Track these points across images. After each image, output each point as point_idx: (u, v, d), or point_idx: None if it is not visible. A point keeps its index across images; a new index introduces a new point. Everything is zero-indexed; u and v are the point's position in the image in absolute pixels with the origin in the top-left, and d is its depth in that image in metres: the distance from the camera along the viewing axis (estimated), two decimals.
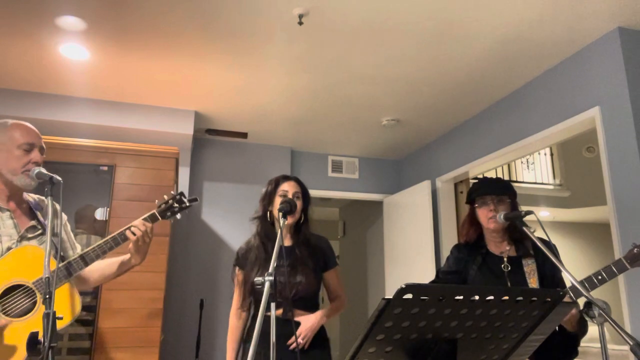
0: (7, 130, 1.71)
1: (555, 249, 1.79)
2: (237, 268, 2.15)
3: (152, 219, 1.83)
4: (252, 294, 2.08)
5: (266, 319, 1.85)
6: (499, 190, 1.94)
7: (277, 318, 1.93)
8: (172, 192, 1.91)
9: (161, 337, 3.13)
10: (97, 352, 2.91)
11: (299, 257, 2.05)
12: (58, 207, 1.86)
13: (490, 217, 1.90)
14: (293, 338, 1.93)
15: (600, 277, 1.58)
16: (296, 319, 1.99)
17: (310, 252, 2.09)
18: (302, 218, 2.13)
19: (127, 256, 1.82)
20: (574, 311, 1.57)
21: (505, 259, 1.92)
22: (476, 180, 2.13)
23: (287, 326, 1.93)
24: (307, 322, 1.98)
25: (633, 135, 2.65)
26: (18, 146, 1.69)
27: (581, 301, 1.45)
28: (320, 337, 2.03)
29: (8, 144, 1.69)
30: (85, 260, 1.72)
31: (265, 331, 1.80)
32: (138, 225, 1.76)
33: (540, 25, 2.80)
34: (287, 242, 2.12)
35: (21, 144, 1.70)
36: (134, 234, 1.75)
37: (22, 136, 1.71)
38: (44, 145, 1.79)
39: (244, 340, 2.08)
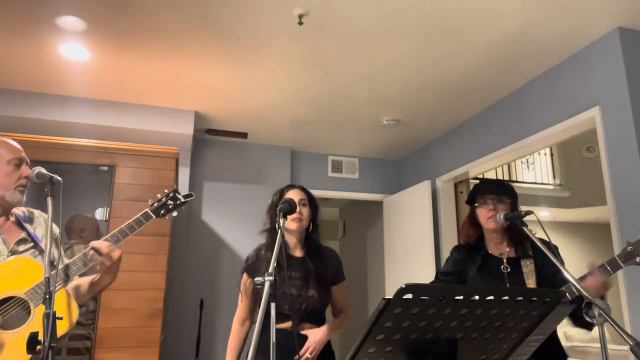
0: None
1: (555, 250, 1.79)
2: (245, 276, 2.08)
3: (146, 217, 1.78)
4: (258, 303, 2.04)
5: (276, 331, 1.85)
6: (499, 190, 1.94)
7: (285, 331, 1.90)
8: (165, 190, 1.87)
9: (161, 337, 3.13)
10: (97, 352, 2.91)
11: (311, 269, 2.01)
12: (54, 225, 1.81)
13: (489, 216, 1.90)
14: (301, 352, 1.89)
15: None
16: (303, 332, 1.95)
17: (323, 265, 2.05)
18: (311, 226, 2.09)
19: (97, 276, 1.72)
20: (600, 278, 1.55)
21: (504, 260, 1.92)
22: (477, 181, 2.13)
23: (295, 340, 1.90)
24: (316, 336, 1.93)
25: (633, 135, 2.65)
26: (7, 162, 1.68)
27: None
28: (327, 351, 2.01)
29: None
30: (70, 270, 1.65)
31: (278, 343, 1.79)
32: (99, 247, 1.64)
33: (540, 25, 2.80)
34: (298, 253, 2.07)
35: (10, 160, 1.68)
36: (99, 253, 1.64)
37: (9, 152, 1.69)
38: (28, 160, 1.76)
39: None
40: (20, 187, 1.69)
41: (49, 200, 1.54)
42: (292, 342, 1.87)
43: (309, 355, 1.90)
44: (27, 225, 1.74)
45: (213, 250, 4.54)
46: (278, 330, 1.86)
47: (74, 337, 2.95)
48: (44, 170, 1.67)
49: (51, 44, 3.07)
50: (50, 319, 1.28)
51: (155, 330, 3.06)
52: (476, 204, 1.98)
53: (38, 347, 1.30)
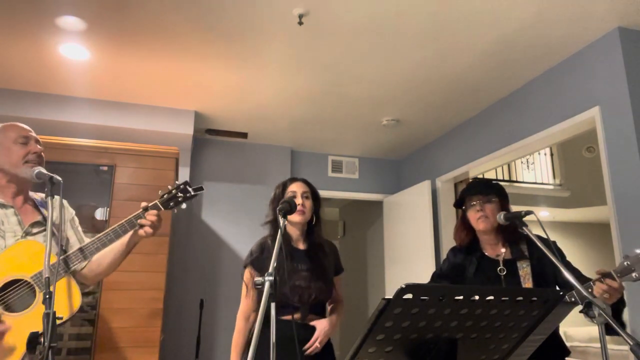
0: (0, 131, 1.76)
1: (553, 247, 1.78)
2: (250, 269, 2.06)
3: (154, 209, 1.78)
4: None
5: (284, 323, 1.86)
6: (485, 190, 1.93)
7: (291, 322, 1.90)
8: (176, 182, 1.85)
9: (161, 337, 3.13)
10: (97, 352, 2.91)
11: (317, 261, 2.03)
12: (65, 202, 1.88)
13: (478, 217, 1.89)
14: (309, 343, 1.91)
15: (590, 290, 1.57)
16: (311, 323, 1.97)
17: (325, 256, 2.08)
18: (314, 219, 2.10)
19: (130, 234, 1.80)
20: (614, 284, 1.52)
21: (501, 262, 1.91)
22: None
23: (304, 331, 1.92)
24: (324, 326, 1.96)
25: (633, 135, 2.65)
26: (14, 141, 1.73)
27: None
28: (327, 343, 2.02)
29: (5, 142, 1.73)
30: (84, 253, 1.71)
31: (285, 335, 1.80)
32: (148, 222, 1.73)
33: (540, 25, 2.80)
34: (301, 246, 2.09)
35: (16, 138, 1.74)
36: (146, 226, 1.74)
37: (15, 132, 1.76)
38: (39, 139, 1.81)
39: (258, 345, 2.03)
40: (28, 162, 1.73)
41: (49, 200, 1.55)
42: (299, 334, 1.88)
43: (318, 345, 1.92)
44: (43, 210, 1.79)
45: (213, 250, 4.54)
46: (284, 322, 1.87)
47: (74, 337, 2.95)
48: (44, 170, 1.68)
49: (51, 44, 3.07)
50: (50, 319, 1.28)
51: (155, 330, 3.06)
52: (464, 207, 1.98)
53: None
